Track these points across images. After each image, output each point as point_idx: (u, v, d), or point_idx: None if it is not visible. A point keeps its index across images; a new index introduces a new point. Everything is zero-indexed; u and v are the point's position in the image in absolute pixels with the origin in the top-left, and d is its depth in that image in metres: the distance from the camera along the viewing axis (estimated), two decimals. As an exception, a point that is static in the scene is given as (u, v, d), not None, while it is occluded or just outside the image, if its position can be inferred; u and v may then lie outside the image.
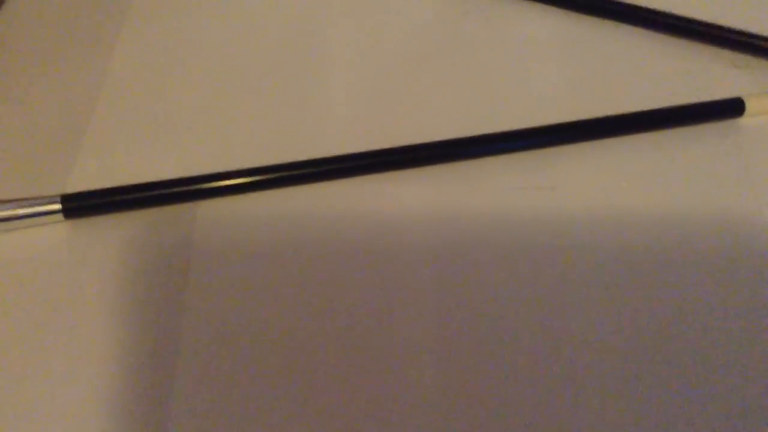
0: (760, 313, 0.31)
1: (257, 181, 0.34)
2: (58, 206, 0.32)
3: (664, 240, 0.34)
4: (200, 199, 0.34)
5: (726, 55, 0.40)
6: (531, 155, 0.36)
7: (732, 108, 0.37)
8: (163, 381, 0.29)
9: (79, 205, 0.32)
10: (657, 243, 0.33)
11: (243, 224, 0.33)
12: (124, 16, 0.40)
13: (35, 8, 0.41)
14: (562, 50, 0.40)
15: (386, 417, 0.28)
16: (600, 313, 0.31)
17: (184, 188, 0.33)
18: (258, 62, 0.39)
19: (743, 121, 0.37)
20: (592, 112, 0.37)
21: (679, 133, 0.37)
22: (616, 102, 0.38)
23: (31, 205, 0.32)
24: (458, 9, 0.42)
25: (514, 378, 0.29)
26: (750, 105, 0.37)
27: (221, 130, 0.36)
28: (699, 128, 0.37)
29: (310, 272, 0.32)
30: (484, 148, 0.36)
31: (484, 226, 0.34)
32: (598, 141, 0.36)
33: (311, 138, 0.36)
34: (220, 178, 0.33)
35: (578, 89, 0.39)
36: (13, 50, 0.39)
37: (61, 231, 0.32)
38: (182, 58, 0.39)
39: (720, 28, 0.40)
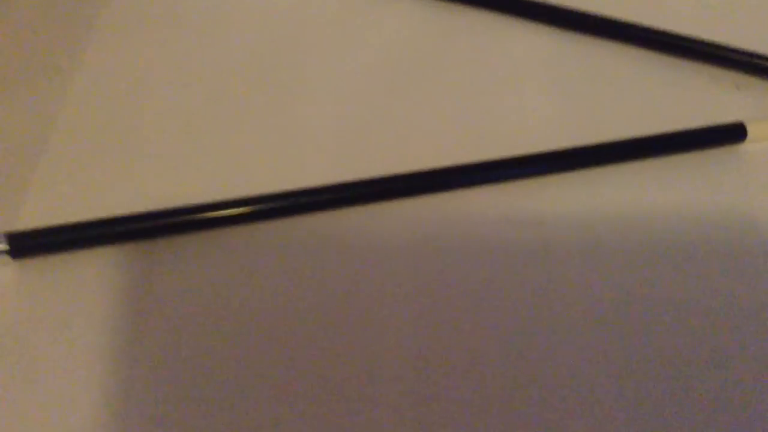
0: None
1: (220, 217, 0.31)
2: (4, 246, 0.29)
3: (661, 274, 0.31)
4: (161, 237, 0.31)
5: (728, 77, 0.37)
6: (520, 184, 0.34)
7: (733, 134, 0.35)
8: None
9: (28, 244, 0.30)
10: (653, 276, 0.31)
11: (206, 263, 0.31)
12: (86, 40, 0.38)
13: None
14: (551, 71, 0.38)
15: None
16: (589, 352, 0.29)
17: (143, 225, 0.31)
18: (229, 89, 0.37)
19: (745, 146, 0.35)
20: (584, 137, 0.34)
21: (677, 161, 0.34)
22: (610, 127, 0.35)
23: (-27, 245, 0.29)
24: (443, 29, 0.39)
25: (497, 416, 0.27)
26: (752, 130, 0.34)
27: (186, 162, 0.34)
28: (699, 154, 0.35)
29: (280, 311, 0.29)
30: (469, 179, 0.33)
31: (467, 260, 0.31)
32: (591, 170, 0.34)
33: (288, 168, 0.34)
34: (181, 214, 0.31)
35: (569, 113, 0.36)
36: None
37: (8, 272, 0.30)
38: (147, 86, 0.36)
39: (721, 47, 0.37)
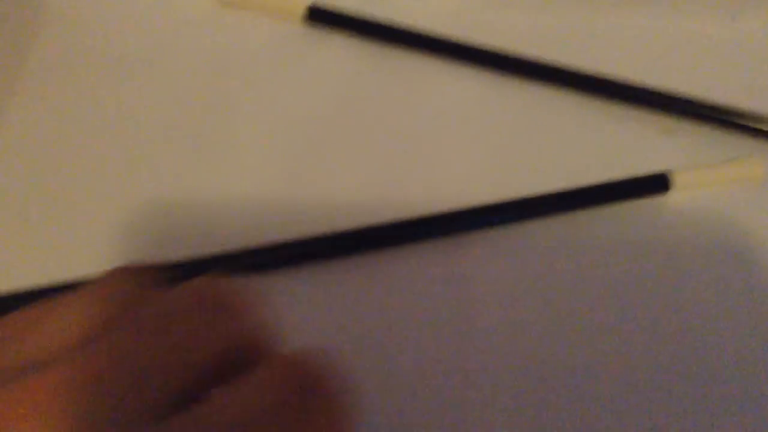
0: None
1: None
2: None
3: (582, 334, 0.31)
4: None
5: (654, 121, 0.37)
6: (441, 243, 0.33)
7: (656, 185, 0.34)
8: None
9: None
10: (573, 337, 0.31)
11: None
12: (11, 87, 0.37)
13: None
14: (469, 119, 0.37)
15: None
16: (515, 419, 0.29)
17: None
18: (150, 139, 0.36)
19: (670, 198, 0.34)
20: (507, 188, 0.34)
21: (598, 213, 0.34)
22: (534, 176, 0.35)
23: None
24: (371, 75, 0.38)
25: None
26: (677, 181, 0.34)
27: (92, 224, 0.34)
28: (622, 206, 0.34)
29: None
30: (389, 239, 0.33)
31: (387, 324, 0.31)
32: (509, 226, 0.34)
33: (204, 228, 0.34)
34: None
35: (492, 162, 0.35)
36: None
37: None
38: (70, 139, 0.36)
39: (647, 90, 0.36)
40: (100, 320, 0.17)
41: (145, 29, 0.39)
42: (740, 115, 0.36)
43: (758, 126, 0.35)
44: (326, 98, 0.37)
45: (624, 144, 0.36)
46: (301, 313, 0.31)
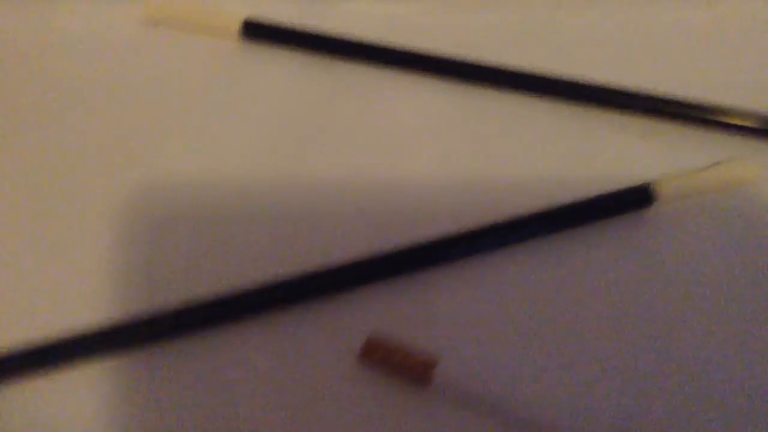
0: None
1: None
2: None
3: (565, 375, 0.28)
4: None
5: (633, 124, 0.33)
6: (405, 279, 0.30)
7: (640, 198, 0.31)
8: None
9: None
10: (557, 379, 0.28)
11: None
12: None
13: None
14: (438, 130, 0.34)
15: None
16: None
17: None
18: (86, 165, 0.32)
19: (654, 211, 0.31)
20: (478, 206, 0.31)
21: (576, 234, 0.31)
22: (508, 189, 0.32)
23: None
24: (322, 90, 0.34)
25: None
26: (661, 191, 0.31)
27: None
28: (603, 223, 0.31)
29: None
30: (340, 284, 0.30)
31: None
32: (481, 255, 0.30)
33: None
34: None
35: (458, 177, 0.32)
36: None
37: None
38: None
39: (623, 92, 0.33)
40: None
41: (73, 54, 0.35)
42: (724, 112, 0.33)
43: (744, 123, 0.32)
44: (268, 115, 0.34)
45: (602, 151, 0.33)
46: (245, 369, 0.28)
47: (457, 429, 0.27)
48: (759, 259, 0.30)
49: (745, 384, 0.28)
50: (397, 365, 0.28)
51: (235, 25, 0.35)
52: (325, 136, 0.33)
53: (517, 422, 0.27)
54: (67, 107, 0.34)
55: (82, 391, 0.28)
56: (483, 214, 0.31)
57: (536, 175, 0.32)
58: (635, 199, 0.31)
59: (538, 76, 0.33)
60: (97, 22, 0.36)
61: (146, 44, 0.35)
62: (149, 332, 0.28)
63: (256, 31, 0.35)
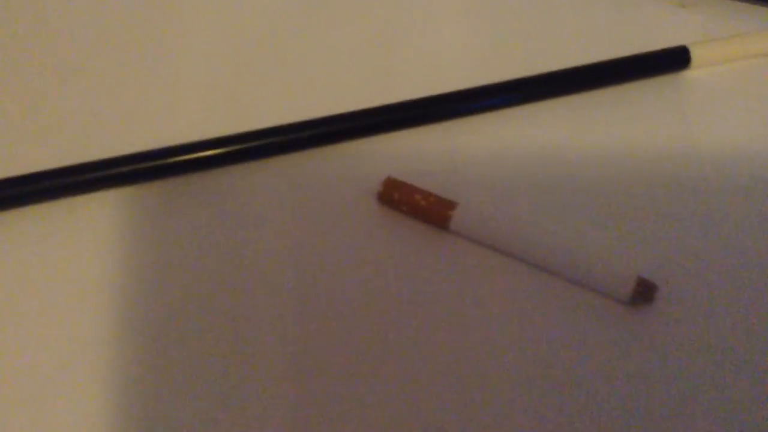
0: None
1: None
2: None
3: (600, 213, 0.27)
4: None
5: (671, -7, 0.32)
6: (434, 128, 0.29)
7: (676, 59, 0.30)
8: None
9: None
10: (594, 214, 0.27)
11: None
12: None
13: None
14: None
15: None
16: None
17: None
18: (100, 47, 0.32)
19: (689, 74, 0.30)
20: (511, 71, 0.30)
21: (615, 91, 0.30)
22: (539, 57, 0.31)
23: None
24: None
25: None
26: (696, 55, 0.30)
27: (48, 124, 0.29)
28: (639, 84, 0.30)
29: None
30: (375, 125, 0.29)
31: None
32: (519, 107, 0.30)
33: (162, 128, 0.29)
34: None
35: (492, 44, 0.32)
36: None
37: None
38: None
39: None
40: None
41: None
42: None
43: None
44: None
45: (639, 18, 0.32)
46: (264, 205, 0.28)
47: (471, 267, 0.27)
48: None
49: None
50: (416, 206, 0.27)
51: None
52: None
53: (527, 264, 0.27)
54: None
55: (99, 217, 0.27)
56: (517, 72, 0.30)
57: (575, 40, 0.32)
58: (671, 60, 0.30)
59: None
60: None
61: None
62: (179, 163, 0.28)
63: None
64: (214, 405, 0.24)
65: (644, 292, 0.25)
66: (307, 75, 0.31)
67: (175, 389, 0.24)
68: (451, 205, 0.27)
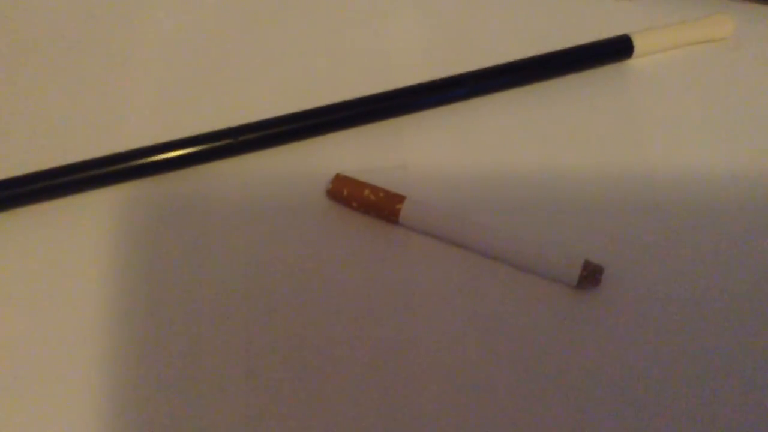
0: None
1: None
2: None
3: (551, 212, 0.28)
4: None
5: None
6: (379, 126, 0.30)
7: (619, 49, 0.31)
8: None
9: None
10: (537, 217, 0.28)
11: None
12: None
13: None
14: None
15: None
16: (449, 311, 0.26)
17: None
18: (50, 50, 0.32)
19: (632, 62, 0.31)
20: (456, 66, 0.30)
21: (559, 83, 0.31)
22: (484, 50, 0.31)
23: None
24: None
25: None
26: (638, 44, 0.30)
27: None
28: (584, 74, 0.31)
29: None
30: (320, 125, 0.29)
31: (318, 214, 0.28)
32: (465, 103, 0.30)
33: (110, 134, 0.30)
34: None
35: (436, 39, 0.32)
36: None
37: None
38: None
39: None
40: None
41: None
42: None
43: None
44: None
45: (582, 10, 0.33)
46: (227, 203, 0.28)
47: (422, 258, 0.27)
48: (732, 111, 0.30)
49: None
50: (366, 201, 0.27)
51: None
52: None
53: (477, 254, 0.27)
54: None
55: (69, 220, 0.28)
56: (464, 66, 0.30)
57: (518, 29, 0.32)
58: (614, 49, 0.31)
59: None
60: None
61: None
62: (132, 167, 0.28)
63: None
64: (178, 402, 0.24)
65: (591, 275, 0.26)
66: (255, 76, 0.31)
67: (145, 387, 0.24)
68: (399, 198, 0.27)
